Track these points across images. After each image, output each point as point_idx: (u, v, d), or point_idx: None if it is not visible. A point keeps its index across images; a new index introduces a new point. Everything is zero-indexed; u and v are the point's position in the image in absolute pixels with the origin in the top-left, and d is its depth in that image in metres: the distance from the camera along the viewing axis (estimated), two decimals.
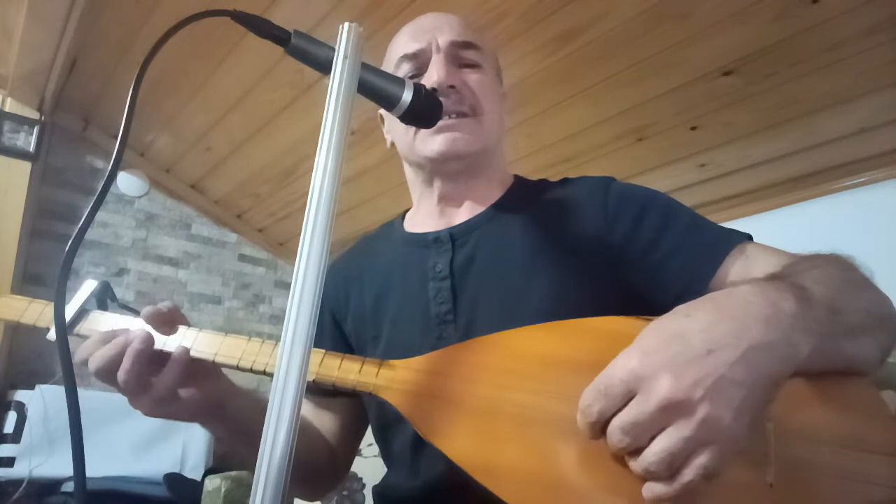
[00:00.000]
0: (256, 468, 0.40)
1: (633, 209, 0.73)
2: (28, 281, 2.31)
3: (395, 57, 0.82)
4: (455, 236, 0.78)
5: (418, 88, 0.63)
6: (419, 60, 0.79)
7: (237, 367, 0.63)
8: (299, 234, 0.46)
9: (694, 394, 0.42)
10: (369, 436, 0.90)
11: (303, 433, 0.77)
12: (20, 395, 2.15)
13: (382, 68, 0.83)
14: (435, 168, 0.80)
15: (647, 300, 0.68)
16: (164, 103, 2.15)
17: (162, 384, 0.62)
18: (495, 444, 0.52)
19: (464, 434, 0.54)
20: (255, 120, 2.13)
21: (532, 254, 0.73)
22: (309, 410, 0.87)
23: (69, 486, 2.00)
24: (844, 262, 0.60)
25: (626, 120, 1.74)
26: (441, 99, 0.69)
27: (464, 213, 0.81)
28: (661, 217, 0.72)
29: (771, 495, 0.47)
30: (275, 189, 2.57)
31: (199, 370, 0.65)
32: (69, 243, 0.52)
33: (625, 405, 0.44)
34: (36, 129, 2.32)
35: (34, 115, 2.33)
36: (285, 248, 3.05)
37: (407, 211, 0.91)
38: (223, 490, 1.68)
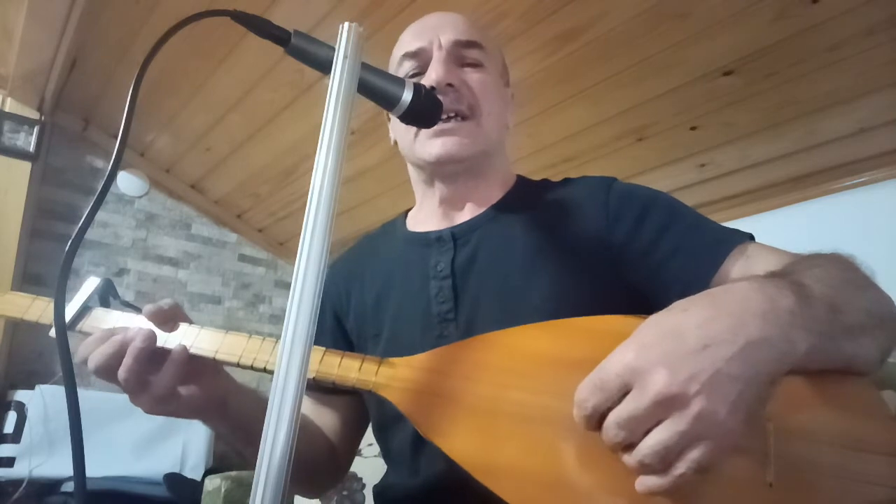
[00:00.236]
0: (256, 468, 0.40)
1: (635, 209, 0.73)
2: (28, 281, 2.31)
3: (398, 55, 0.82)
4: (457, 235, 0.78)
5: (418, 88, 0.63)
6: (420, 59, 0.79)
7: (238, 365, 0.63)
8: (299, 234, 0.46)
9: (689, 388, 0.42)
10: (369, 436, 0.90)
11: (303, 430, 0.77)
12: (20, 395, 2.15)
13: (388, 66, 0.83)
14: (434, 171, 0.81)
15: (649, 300, 0.68)
16: (164, 103, 2.15)
17: (161, 382, 0.62)
18: (495, 443, 0.52)
19: (463, 432, 0.54)
20: (255, 120, 2.13)
21: (533, 253, 0.73)
22: (310, 407, 0.87)
23: (69, 486, 2.00)
24: (846, 261, 0.60)
25: (626, 120, 1.74)
26: (439, 97, 0.69)
27: (466, 213, 0.81)
28: (663, 217, 0.72)
29: (771, 495, 0.47)
30: (275, 189, 2.57)
31: (200, 368, 0.65)
32: (69, 243, 0.52)
33: (620, 399, 0.45)
34: (36, 129, 2.32)
35: (34, 115, 2.33)
36: (285, 248, 3.05)
37: (409, 210, 0.91)
38: (223, 490, 1.68)
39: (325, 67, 0.56)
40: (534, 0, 1.42)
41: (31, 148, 2.31)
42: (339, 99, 0.50)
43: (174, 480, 2.16)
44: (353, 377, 0.59)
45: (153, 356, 0.62)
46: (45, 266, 2.35)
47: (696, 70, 1.52)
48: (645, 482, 0.44)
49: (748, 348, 0.44)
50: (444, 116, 0.73)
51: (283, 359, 0.42)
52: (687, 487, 0.43)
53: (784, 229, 1.77)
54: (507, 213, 0.79)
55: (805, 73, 1.45)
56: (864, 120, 1.55)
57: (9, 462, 2.02)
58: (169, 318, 0.65)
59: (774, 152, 1.74)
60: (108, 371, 0.61)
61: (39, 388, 2.15)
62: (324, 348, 0.62)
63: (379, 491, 0.81)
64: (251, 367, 0.62)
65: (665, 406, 0.42)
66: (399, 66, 0.81)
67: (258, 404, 0.73)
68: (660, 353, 0.44)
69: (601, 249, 0.72)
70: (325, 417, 0.87)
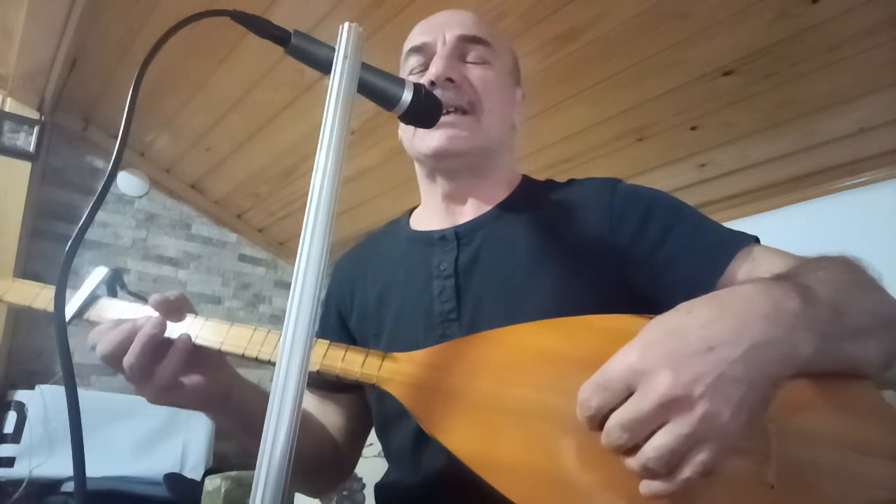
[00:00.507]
0: (256, 467, 0.40)
1: (639, 210, 0.73)
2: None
3: (405, 50, 0.83)
4: (460, 235, 0.78)
5: (418, 88, 0.63)
6: (425, 54, 0.80)
7: (243, 356, 0.63)
8: (299, 234, 0.46)
9: (693, 390, 0.42)
10: (370, 435, 0.90)
11: (307, 427, 0.77)
12: (20, 395, 2.15)
13: (395, 63, 0.83)
14: (434, 165, 0.81)
15: (652, 302, 0.68)
16: (164, 103, 2.15)
17: (165, 371, 0.62)
18: (496, 438, 0.53)
19: (465, 428, 0.54)
20: (255, 120, 2.13)
21: (536, 254, 0.73)
22: (313, 405, 0.87)
23: (69, 486, 1.99)
24: (852, 264, 0.60)
25: (626, 120, 1.74)
26: (438, 91, 0.69)
27: (469, 212, 0.81)
28: (667, 218, 0.72)
29: (772, 496, 0.47)
30: (275, 189, 2.57)
31: (204, 359, 0.65)
32: (69, 243, 0.52)
33: (623, 400, 0.44)
34: (36, 129, 2.32)
35: (34, 115, 2.33)
36: (285, 248, 3.05)
37: (415, 208, 0.91)
38: (223, 490, 1.68)
39: (325, 67, 0.56)
40: (534, 0, 1.42)
41: (31, 148, 2.31)
42: (339, 99, 0.50)
43: (174, 480, 2.16)
44: (357, 371, 0.60)
45: (159, 345, 0.62)
46: (46, 266, 2.34)
47: (696, 70, 1.51)
48: (650, 486, 0.43)
49: (752, 350, 0.44)
50: (444, 111, 0.74)
51: (282, 359, 0.42)
52: (689, 489, 0.43)
53: (784, 229, 1.77)
54: (512, 212, 0.79)
55: (805, 73, 1.45)
56: (864, 120, 1.55)
57: (9, 462, 2.02)
58: (175, 309, 0.65)
59: (774, 152, 1.74)
60: (115, 358, 0.61)
61: (39, 388, 2.14)
62: (328, 342, 0.62)
63: (380, 489, 0.81)
64: (256, 359, 0.62)
65: (669, 408, 0.42)
66: (405, 61, 0.82)
67: (262, 399, 0.72)
68: (664, 355, 0.44)
69: (605, 251, 0.72)
70: (329, 416, 0.87)
